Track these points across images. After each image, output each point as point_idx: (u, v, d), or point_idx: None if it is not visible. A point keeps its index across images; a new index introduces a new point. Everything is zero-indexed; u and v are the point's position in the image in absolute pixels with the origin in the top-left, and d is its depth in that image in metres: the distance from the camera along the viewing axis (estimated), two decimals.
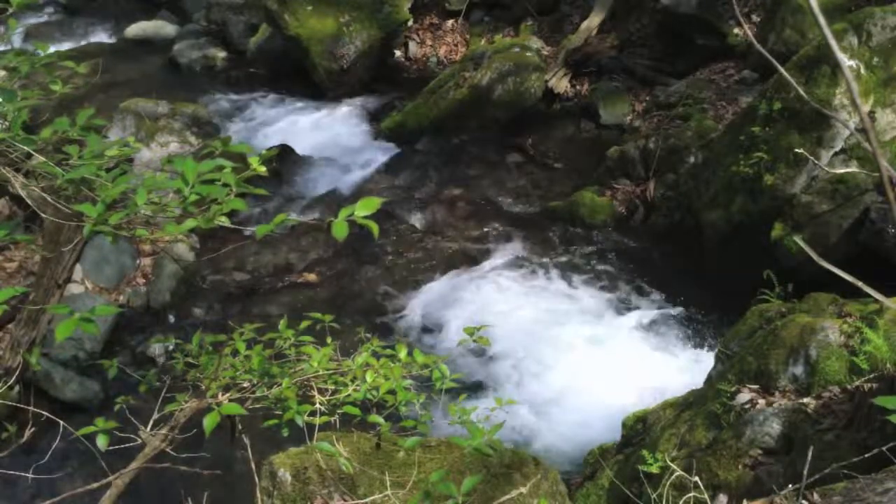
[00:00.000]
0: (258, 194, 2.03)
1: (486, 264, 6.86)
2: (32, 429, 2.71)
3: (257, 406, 2.63)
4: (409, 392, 2.69)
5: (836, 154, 5.55)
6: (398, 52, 10.34)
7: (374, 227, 1.78)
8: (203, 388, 2.63)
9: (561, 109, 8.78)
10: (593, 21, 9.18)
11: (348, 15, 9.39)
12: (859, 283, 1.72)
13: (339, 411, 2.63)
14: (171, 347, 5.55)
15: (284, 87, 9.64)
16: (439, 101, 8.61)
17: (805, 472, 2.54)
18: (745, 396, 3.64)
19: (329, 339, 2.91)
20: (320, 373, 2.70)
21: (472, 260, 6.94)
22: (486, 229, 7.31)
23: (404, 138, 8.59)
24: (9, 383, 3.50)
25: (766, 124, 5.92)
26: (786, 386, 3.59)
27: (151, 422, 2.60)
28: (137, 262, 6.60)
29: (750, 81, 7.75)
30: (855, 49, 5.63)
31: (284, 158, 7.99)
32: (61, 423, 2.64)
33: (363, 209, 1.77)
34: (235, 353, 2.78)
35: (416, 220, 7.43)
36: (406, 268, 6.85)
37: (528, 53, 8.78)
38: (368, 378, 2.65)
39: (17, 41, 10.47)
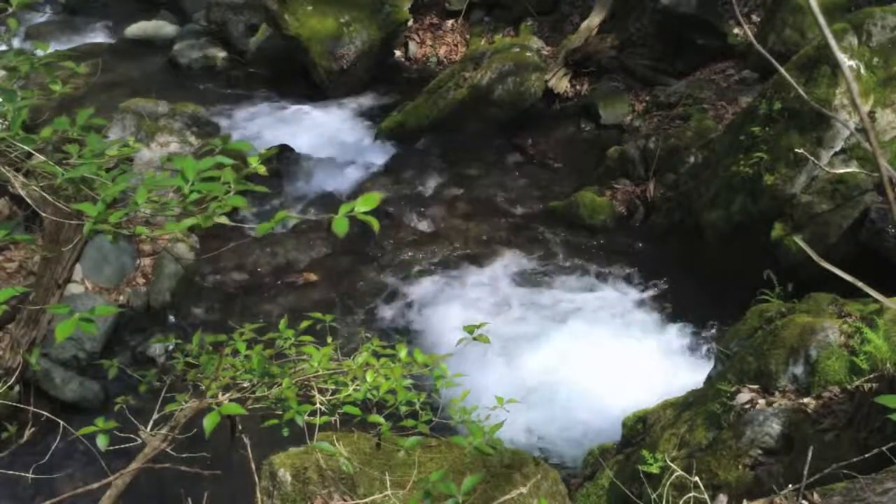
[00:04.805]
0: (258, 192, 2.02)
1: (486, 264, 6.86)
2: (32, 429, 2.70)
3: (257, 406, 2.63)
4: (409, 392, 2.69)
5: (836, 154, 5.55)
6: (398, 52, 10.35)
7: (375, 223, 1.78)
8: (203, 388, 2.63)
9: (561, 109, 8.78)
10: (593, 21, 9.19)
11: (348, 15, 9.39)
12: (859, 283, 1.71)
13: (339, 411, 2.62)
14: (171, 347, 5.55)
15: (284, 87, 9.64)
16: (439, 101, 8.61)
17: (805, 472, 2.54)
18: (745, 396, 3.64)
19: (329, 339, 2.91)
20: (320, 373, 2.69)
21: (471, 260, 6.94)
22: (485, 229, 7.32)
23: (404, 138, 8.59)
24: (9, 383, 3.50)
25: (766, 124, 5.92)
26: (786, 386, 3.59)
27: (151, 422, 2.60)
28: (137, 262, 6.60)
29: (750, 81, 7.76)
30: (855, 49, 5.63)
31: (284, 158, 8.00)
32: (61, 423, 2.64)
33: (363, 205, 1.77)
34: (235, 353, 2.78)
35: (416, 220, 7.43)
36: (406, 267, 6.85)
37: (528, 53, 8.78)
38: (369, 378, 2.65)
39: (17, 41, 10.46)
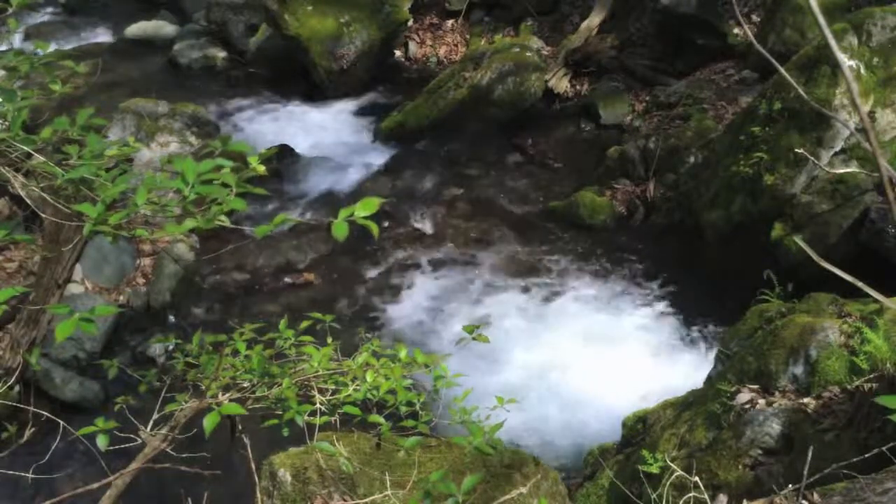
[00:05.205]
0: (258, 194, 2.02)
1: (486, 264, 6.86)
2: (32, 429, 2.71)
3: (257, 406, 2.63)
4: (409, 392, 2.69)
5: (836, 154, 5.55)
6: (398, 52, 10.34)
7: (375, 228, 1.78)
8: (203, 388, 2.63)
9: (561, 109, 8.78)
10: (593, 21, 9.19)
11: (348, 15, 9.39)
12: (859, 283, 1.71)
13: (339, 411, 2.63)
14: (171, 347, 5.55)
15: (284, 87, 9.64)
16: (439, 101, 8.61)
17: (805, 472, 2.54)
18: (745, 396, 3.64)
19: (329, 339, 2.91)
20: (320, 373, 2.69)
21: (471, 260, 6.94)
22: (485, 229, 7.31)
23: (404, 138, 8.59)
24: (9, 383, 3.50)
25: (766, 124, 5.92)
26: (786, 386, 3.59)
27: (151, 422, 2.60)
28: (137, 262, 6.60)
29: (750, 81, 7.76)
30: (855, 49, 5.63)
31: (284, 158, 8.00)
32: (61, 423, 2.64)
33: (363, 210, 1.76)
34: (235, 353, 2.78)
35: (416, 220, 7.44)
36: (406, 267, 6.86)
37: (528, 53, 8.78)
38: (369, 378, 2.65)
39: (17, 41, 10.47)
